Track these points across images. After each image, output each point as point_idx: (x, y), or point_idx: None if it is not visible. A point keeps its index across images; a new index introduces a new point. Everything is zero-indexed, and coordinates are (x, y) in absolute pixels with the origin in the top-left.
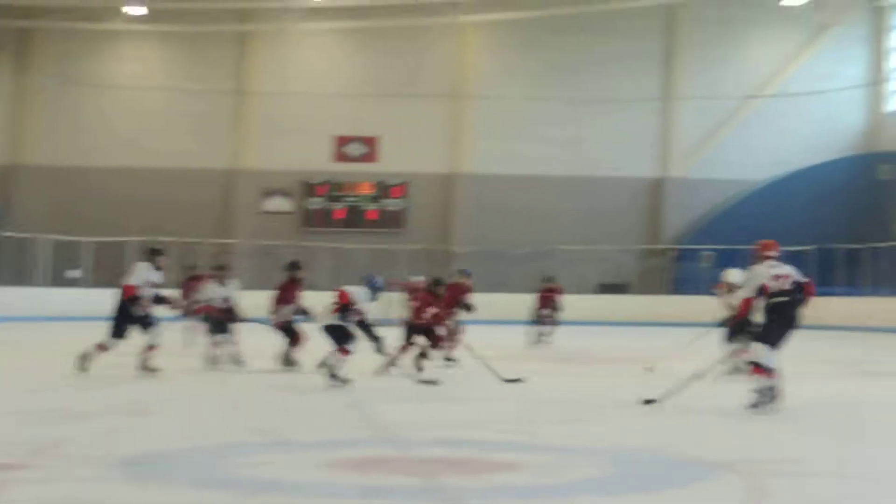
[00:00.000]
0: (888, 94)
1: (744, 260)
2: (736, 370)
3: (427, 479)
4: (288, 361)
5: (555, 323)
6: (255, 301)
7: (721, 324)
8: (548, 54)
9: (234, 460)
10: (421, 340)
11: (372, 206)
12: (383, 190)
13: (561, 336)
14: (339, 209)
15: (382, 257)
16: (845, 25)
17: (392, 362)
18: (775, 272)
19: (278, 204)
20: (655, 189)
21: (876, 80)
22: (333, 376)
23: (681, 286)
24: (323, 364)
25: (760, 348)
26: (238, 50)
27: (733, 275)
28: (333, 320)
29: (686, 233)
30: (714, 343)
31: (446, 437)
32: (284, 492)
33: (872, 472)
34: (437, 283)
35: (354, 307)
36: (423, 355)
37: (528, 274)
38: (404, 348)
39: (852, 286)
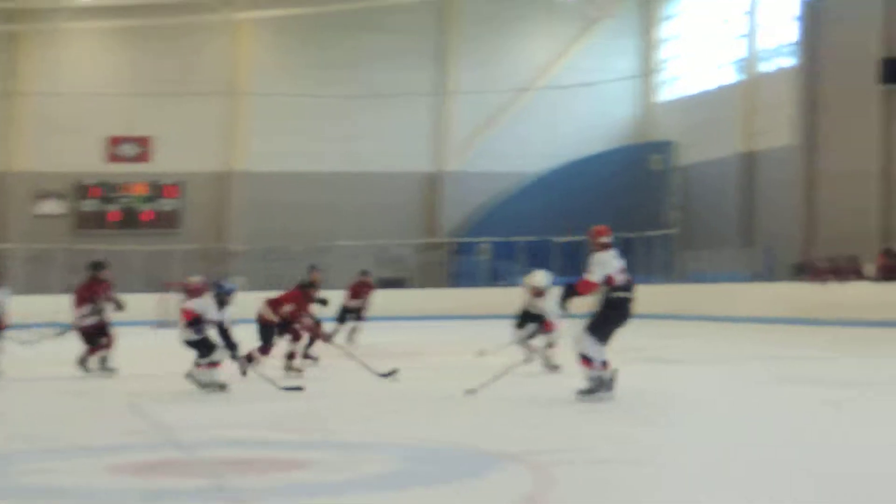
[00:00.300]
0: (658, 85)
1: (519, 252)
2: (540, 360)
3: (212, 481)
4: (84, 366)
5: (361, 318)
6: (28, 307)
7: (517, 317)
8: (323, 51)
9: (11, 469)
10: (285, 340)
11: (146, 207)
12: (158, 190)
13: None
14: (113, 211)
15: (158, 258)
16: (615, 18)
17: (248, 364)
18: (621, 264)
19: (52, 206)
20: (432, 183)
21: (646, 72)
22: (206, 385)
23: (459, 279)
24: (193, 379)
25: (591, 342)
26: (7, 50)
27: (538, 278)
28: (190, 336)
29: (463, 226)
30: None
31: (233, 438)
32: (64, 499)
33: (658, 457)
34: (311, 284)
35: (205, 319)
36: (291, 356)
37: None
38: (266, 350)
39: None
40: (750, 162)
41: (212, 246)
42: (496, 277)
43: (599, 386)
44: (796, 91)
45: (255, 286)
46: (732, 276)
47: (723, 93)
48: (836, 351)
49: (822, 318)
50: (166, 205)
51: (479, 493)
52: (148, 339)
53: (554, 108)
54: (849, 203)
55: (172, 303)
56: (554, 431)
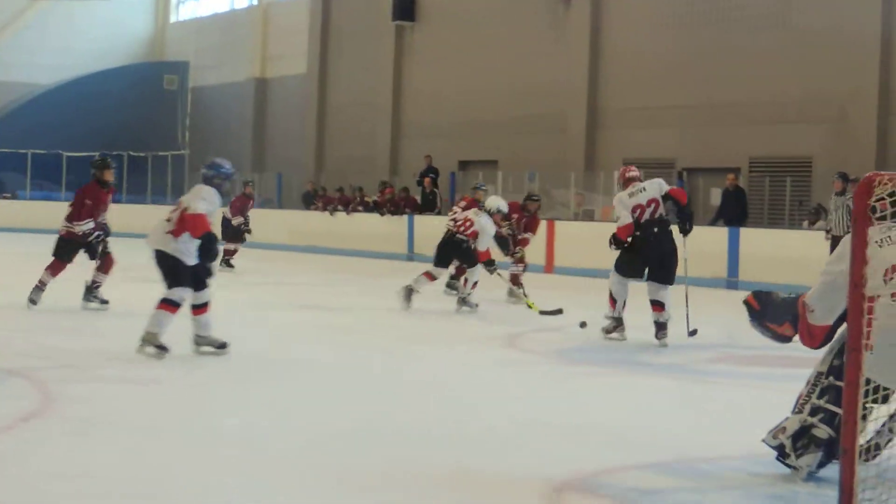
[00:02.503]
0: (175, 5)
1: (28, 164)
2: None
3: None
4: None
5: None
6: None
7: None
8: None
9: None
10: None
11: None
12: None
13: None
14: None
15: None
16: None
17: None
18: (635, 201)
19: None
20: None
21: None
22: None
23: None
24: None
25: (614, 279)
26: None
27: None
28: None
29: None
30: None
31: None
32: None
33: (161, 377)
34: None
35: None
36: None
37: None
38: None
39: (137, 194)
40: (263, 87)
41: None
42: (2, 190)
43: (618, 325)
44: (309, 20)
45: None
46: None
47: (237, 16)
48: (326, 279)
49: (327, 246)
50: None
51: None
52: None
53: (68, 19)
54: (358, 133)
55: None
56: (59, 351)
